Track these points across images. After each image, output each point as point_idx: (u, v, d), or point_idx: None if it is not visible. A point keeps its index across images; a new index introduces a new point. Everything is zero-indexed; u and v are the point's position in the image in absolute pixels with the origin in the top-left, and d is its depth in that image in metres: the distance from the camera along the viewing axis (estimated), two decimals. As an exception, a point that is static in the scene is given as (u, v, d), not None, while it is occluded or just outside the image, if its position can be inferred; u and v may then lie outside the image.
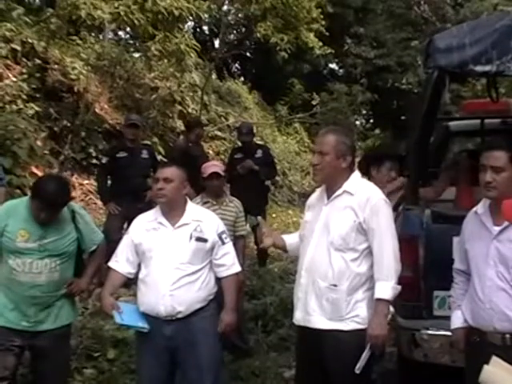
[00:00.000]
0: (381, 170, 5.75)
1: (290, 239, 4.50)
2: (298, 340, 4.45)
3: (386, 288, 4.01)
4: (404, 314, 4.94)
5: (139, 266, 4.58)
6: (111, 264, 4.63)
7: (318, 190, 4.36)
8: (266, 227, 4.43)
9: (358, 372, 3.96)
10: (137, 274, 4.62)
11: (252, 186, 9.21)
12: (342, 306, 4.05)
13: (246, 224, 6.74)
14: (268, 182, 10.27)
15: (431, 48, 5.02)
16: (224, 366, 5.98)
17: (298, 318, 4.21)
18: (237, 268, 4.73)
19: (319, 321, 4.09)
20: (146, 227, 4.56)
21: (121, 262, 4.59)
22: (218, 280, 4.67)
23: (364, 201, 4.07)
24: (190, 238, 4.47)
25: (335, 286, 4.04)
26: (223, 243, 4.61)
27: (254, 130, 10.51)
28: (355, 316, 4.06)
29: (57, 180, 4.53)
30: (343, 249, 4.05)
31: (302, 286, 4.16)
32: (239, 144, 10.40)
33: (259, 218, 5.53)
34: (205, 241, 4.51)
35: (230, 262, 4.67)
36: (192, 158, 8.50)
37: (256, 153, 9.65)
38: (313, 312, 4.11)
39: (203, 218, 4.60)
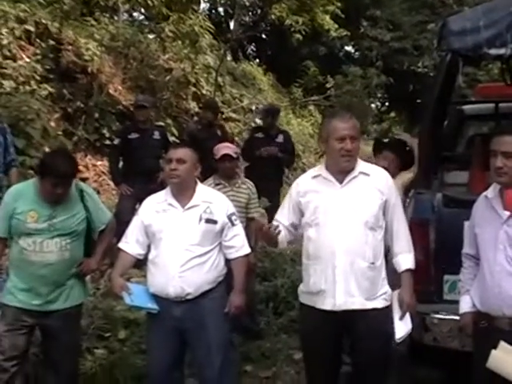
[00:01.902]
0: (378, 157, 5.69)
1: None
2: (320, 325, 4.24)
3: (411, 259, 4.23)
4: (415, 298, 4.94)
5: (149, 247, 4.59)
6: (121, 245, 4.65)
7: (308, 176, 4.35)
8: (265, 225, 4.27)
9: (399, 341, 4.18)
10: (147, 255, 4.63)
11: (269, 168, 9.19)
12: (378, 283, 4.17)
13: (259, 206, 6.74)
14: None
15: (445, 30, 4.98)
16: (235, 348, 6.02)
17: (339, 302, 4.11)
18: (246, 250, 4.73)
19: (360, 301, 4.12)
20: (155, 208, 4.57)
21: (131, 244, 4.61)
22: (228, 262, 4.67)
23: (384, 180, 4.23)
24: (200, 219, 4.48)
25: (373, 263, 4.12)
26: (233, 225, 4.61)
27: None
28: (384, 293, 4.20)
29: (61, 152, 4.58)
30: (375, 227, 4.14)
31: (337, 268, 4.09)
32: (258, 124, 10.37)
33: (257, 214, 5.52)
34: (214, 222, 4.51)
35: (239, 244, 4.67)
36: (200, 140, 8.51)
37: (277, 137, 9.60)
38: (355, 293, 4.11)
39: (213, 200, 4.60)
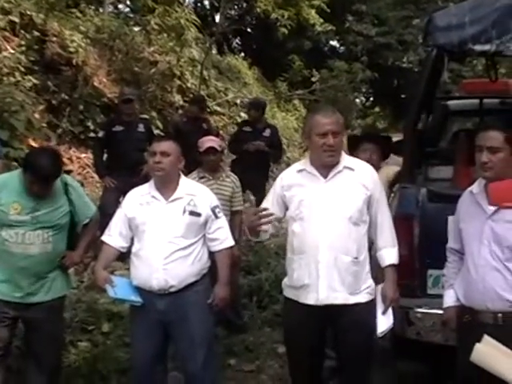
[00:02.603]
0: (357, 151, 5.66)
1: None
2: (303, 320, 4.24)
3: (394, 253, 4.24)
4: (398, 292, 4.95)
5: (132, 240, 4.59)
6: (104, 238, 4.64)
7: (294, 169, 4.35)
8: (252, 217, 4.23)
9: (381, 336, 4.18)
10: (130, 247, 4.62)
11: (256, 162, 9.22)
12: (361, 277, 4.17)
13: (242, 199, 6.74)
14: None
15: (431, 26, 4.99)
16: (218, 341, 6.03)
17: (322, 297, 4.12)
18: (230, 242, 4.74)
19: (343, 296, 4.13)
20: (139, 201, 4.57)
21: (114, 236, 4.61)
22: (211, 255, 4.68)
23: (369, 175, 4.23)
24: (184, 211, 4.49)
25: (356, 258, 4.13)
26: (216, 217, 4.62)
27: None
28: (368, 287, 4.21)
29: (48, 153, 4.51)
30: (359, 222, 4.14)
31: (321, 263, 4.10)
32: (244, 118, 10.39)
33: (240, 208, 5.51)
34: (198, 215, 4.52)
35: (223, 237, 4.68)
36: (185, 134, 8.50)
37: (264, 131, 9.60)
38: (338, 288, 4.11)
39: (196, 193, 4.61)
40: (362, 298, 4.17)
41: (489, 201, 3.73)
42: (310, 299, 4.15)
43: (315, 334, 4.24)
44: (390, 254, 4.23)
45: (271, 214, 4.10)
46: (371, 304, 4.20)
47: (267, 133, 9.57)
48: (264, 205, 4.38)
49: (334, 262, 4.09)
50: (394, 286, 4.23)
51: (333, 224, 4.10)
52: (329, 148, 4.09)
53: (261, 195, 8.86)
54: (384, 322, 4.16)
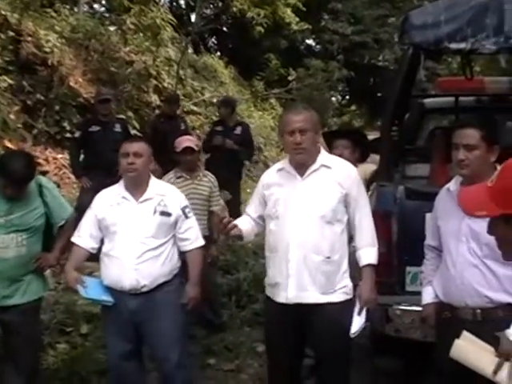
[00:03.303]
0: (331, 148, 5.65)
1: (244, 225, 4.37)
2: (279, 318, 4.29)
3: (372, 253, 4.20)
4: (377, 290, 4.97)
5: (102, 240, 4.60)
6: (74, 239, 4.64)
7: (275, 168, 4.38)
8: (226, 217, 4.36)
9: (353, 336, 4.09)
10: (100, 248, 4.63)
11: (227, 160, 9.23)
12: (335, 278, 4.14)
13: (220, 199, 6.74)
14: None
15: (407, 25, 5.02)
16: (197, 341, 6.04)
17: (291, 296, 4.13)
18: (200, 242, 4.78)
19: (313, 296, 4.12)
20: (109, 202, 4.58)
21: (84, 237, 4.61)
22: (182, 255, 4.71)
23: (345, 173, 4.19)
24: (154, 212, 4.51)
25: (329, 258, 4.10)
26: (186, 217, 4.65)
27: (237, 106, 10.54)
28: (344, 287, 4.17)
29: (21, 156, 4.49)
30: (333, 221, 4.12)
31: (291, 262, 4.11)
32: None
33: (217, 207, 5.52)
34: (169, 215, 4.54)
35: (193, 236, 4.71)
36: (163, 134, 8.49)
37: (235, 129, 9.64)
38: (308, 287, 4.11)
39: (166, 193, 4.63)
40: (337, 297, 4.14)
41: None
42: (281, 297, 4.19)
43: (291, 333, 4.23)
44: (367, 254, 4.20)
45: (234, 226, 4.15)
46: (347, 304, 4.16)
47: (238, 130, 9.65)
48: (248, 205, 4.47)
49: (303, 260, 4.09)
50: (370, 287, 4.19)
51: (305, 222, 4.10)
52: (296, 146, 4.11)
53: (235, 194, 8.95)
54: (358, 322, 4.12)
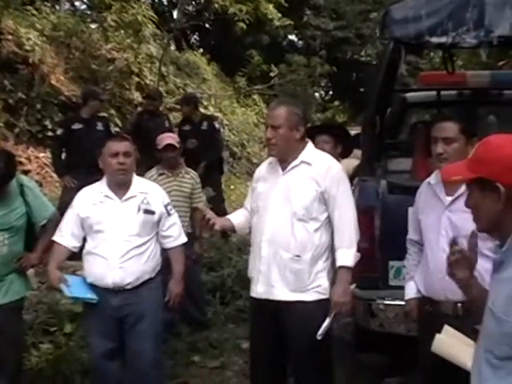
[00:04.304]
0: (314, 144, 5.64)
1: (236, 218, 4.44)
2: (255, 313, 4.40)
3: (349, 255, 4.09)
4: (360, 285, 4.97)
5: (84, 239, 4.58)
6: (56, 238, 4.62)
7: (266, 162, 4.36)
8: (208, 213, 4.33)
9: (319, 338, 4.00)
10: (82, 247, 4.61)
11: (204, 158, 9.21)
12: (305, 276, 4.08)
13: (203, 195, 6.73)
14: (225, 154, 10.21)
15: (387, 19, 5.03)
16: (181, 338, 6.03)
17: (260, 291, 4.16)
18: (183, 239, 4.80)
19: (282, 293, 4.10)
20: (91, 201, 4.55)
21: (65, 237, 4.59)
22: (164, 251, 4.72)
23: (324, 170, 4.11)
24: (138, 210, 4.51)
25: (299, 256, 4.06)
26: (169, 215, 4.66)
27: (211, 102, 10.50)
28: (317, 286, 4.11)
29: (1, 155, 4.44)
30: (306, 219, 4.07)
31: (263, 258, 4.12)
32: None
33: (200, 204, 5.53)
34: (152, 213, 4.55)
35: (176, 233, 4.73)
36: (145, 131, 8.47)
37: (201, 125, 9.61)
38: (276, 284, 4.10)
39: (149, 191, 4.63)
40: (309, 296, 4.10)
41: (446, 191, 3.79)
42: (253, 292, 4.23)
43: (268, 330, 4.22)
44: (343, 256, 4.08)
45: (214, 224, 4.21)
46: (321, 303, 4.09)
47: (205, 126, 9.63)
48: (246, 200, 4.49)
49: (273, 257, 4.09)
50: (343, 289, 4.08)
51: (277, 219, 4.10)
52: (267, 141, 4.14)
53: (217, 190, 8.94)
54: (326, 324, 4.05)
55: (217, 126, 10.11)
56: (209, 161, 9.41)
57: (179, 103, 11.62)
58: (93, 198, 4.55)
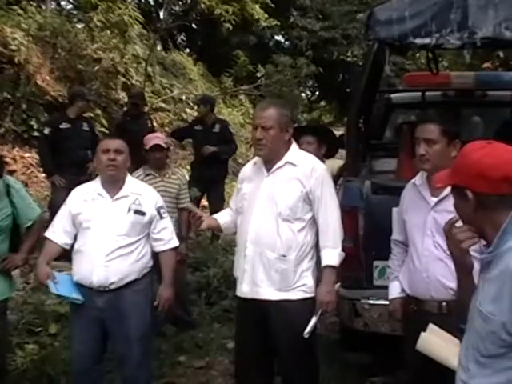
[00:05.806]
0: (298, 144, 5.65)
1: (222, 218, 4.49)
2: (241, 313, 4.42)
3: (334, 255, 4.12)
4: (345, 284, 5.00)
5: (76, 237, 4.56)
6: (48, 234, 4.60)
7: (251, 163, 4.39)
8: (197, 212, 4.36)
9: (306, 336, 4.03)
10: (73, 244, 4.59)
11: (210, 161, 9.38)
12: (291, 276, 4.11)
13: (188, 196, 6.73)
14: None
15: (372, 20, 5.04)
16: (167, 338, 6.02)
17: (245, 290, 4.19)
18: (175, 243, 4.78)
19: (267, 292, 4.12)
20: (84, 198, 4.55)
21: (57, 233, 4.58)
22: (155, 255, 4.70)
23: (309, 171, 4.13)
24: (128, 210, 4.50)
25: (284, 256, 4.09)
26: (161, 218, 4.65)
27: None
28: (302, 285, 4.14)
29: None
30: (291, 219, 4.10)
31: (248, 257, 4.15)
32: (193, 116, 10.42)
33: (188, 204, 5.54)
34: (143, 214, 4.53)
35: (167, 237, 4.71)
36: (130, 131, 8.46)
37: (214, 127, 9.63)
38: (261, 283, 4.12)
39: (142, 192, 4.62)
40: (294, 295, 4.12)
41: (432, 191, 3.81)
42: (239, 292, 4.25)
43: (253, 329, 4.24)
44: (328, 256, 4.12)
45: (202, 221, 4.25)
46: (307, 302, 4.13)
47: (217, 128, 9.64)
48: (232, 200, 4.52)
49: (259, 257, 4.12)
50: (328, 289, 4.13)
51: (262, 219, 4.12)
52: (256, 142, 4.15)
53: (219, 193, 9.03)
54: (312, 322, 4.08)
55: (230, 129, 10.29)
56: (225, 155, 9.76)
57: (195, 103, 11.66)
58: (86, 196, 4.56)
